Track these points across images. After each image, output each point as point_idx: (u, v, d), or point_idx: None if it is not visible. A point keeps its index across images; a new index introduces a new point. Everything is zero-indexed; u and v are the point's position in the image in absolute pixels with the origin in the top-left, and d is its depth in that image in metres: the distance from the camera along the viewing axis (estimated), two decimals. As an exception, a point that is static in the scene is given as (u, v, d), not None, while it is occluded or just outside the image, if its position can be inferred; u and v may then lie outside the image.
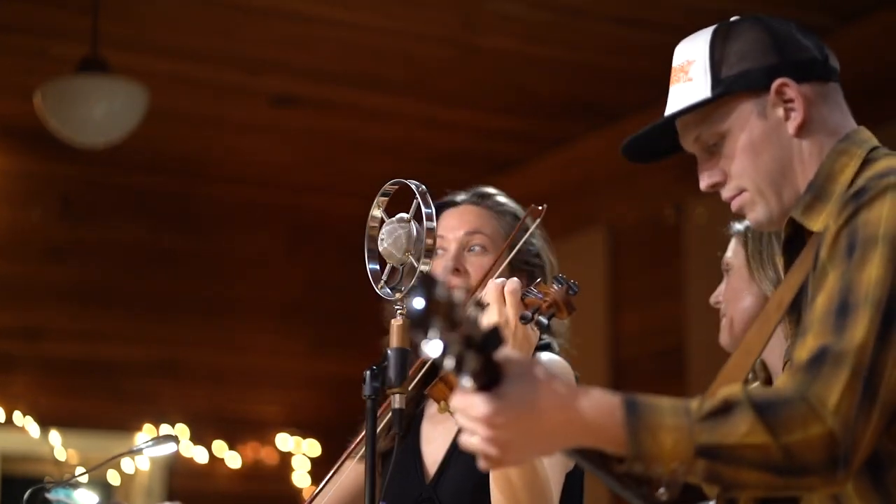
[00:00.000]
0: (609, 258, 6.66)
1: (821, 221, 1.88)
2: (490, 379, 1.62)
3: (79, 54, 5.29)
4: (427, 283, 1.53)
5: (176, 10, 5.38)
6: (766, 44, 1.95)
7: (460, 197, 2.75)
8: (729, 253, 2.89)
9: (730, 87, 1.95)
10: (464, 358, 1.56)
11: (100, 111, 5.33)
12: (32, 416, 6.75)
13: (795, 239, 1.96)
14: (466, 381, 1.59)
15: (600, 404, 1.66)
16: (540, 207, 2.61)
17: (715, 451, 1.65)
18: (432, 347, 1.53)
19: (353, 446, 2.61)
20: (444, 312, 1.53)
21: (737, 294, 2.82)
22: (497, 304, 2.27)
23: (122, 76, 5.39)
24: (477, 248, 2.69)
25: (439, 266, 2.67)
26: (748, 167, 1.95)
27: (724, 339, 2.87)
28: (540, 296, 2.30)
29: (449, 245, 2.68)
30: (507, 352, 1.65)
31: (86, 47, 5.28)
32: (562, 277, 2.30)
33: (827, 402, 1.66)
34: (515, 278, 2.34)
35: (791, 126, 1.94)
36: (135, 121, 5.44)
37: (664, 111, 2.04)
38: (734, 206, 1.99)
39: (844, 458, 1.66)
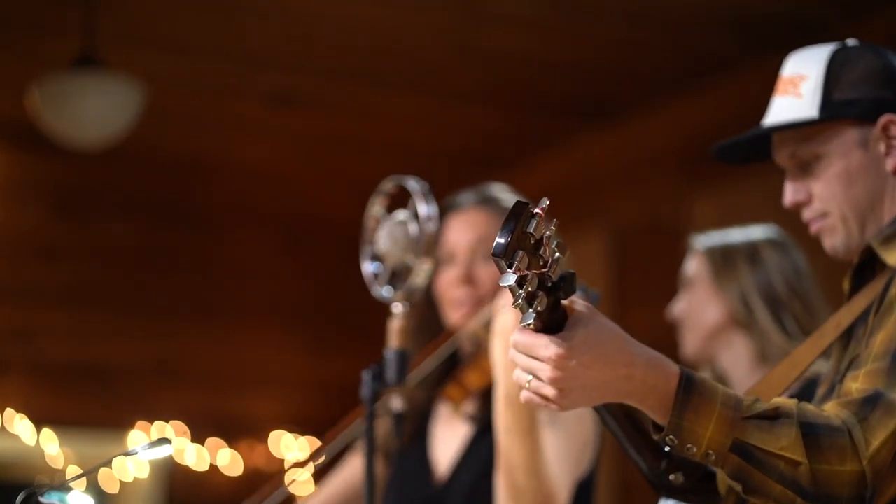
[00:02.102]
0: (611, 258, 6.64)
1: None
2: (553, 323, 1.62)
3: (73, 51, 5.26)
4: (519, 214, 1.50)
5: (173, 5, 5.35)
6: (882, 77, 1.97)
7: (466, 198, 2.71)
8: (690, 269, 2.95)
9: (838, 112, 1.96)
10: (535, 296, 1.54)
11: (95, 109, 5.30)
12: (27, 418, 6.72)
13: (867, 267, 1.98)
14: (529, 320, 1.57)
15: (660, 369, 1.68)
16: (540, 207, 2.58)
17: (750, 453, 1.66)
18: (506, 279, 1.50)
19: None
20: (529, 247, 1.50)
21: (702, 307, 2.89)
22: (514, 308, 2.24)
23: (118, 73, 5.36)
24: (487, 256, 2.66)
25: (449, 275, 2.64)
26: (839, 194, 1.97)
27: (689, 349, 2.92)
28: None
29: (458, 253, 2.64)
30: (576, 300, 1.64)
31: (80, 43, 5.25)
32: (584, 286, 2.27)
33: (869, 445, 1.69)
34: None
35: (890, 163, 1.97)
36: (130, 118, 5.41)
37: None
38: (813, 228, 2.01)
39: (870, 501, 1.69)
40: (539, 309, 1.56)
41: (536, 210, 1.51)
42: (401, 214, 2.24)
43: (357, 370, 2.46)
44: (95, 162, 6.54)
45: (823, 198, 1.98)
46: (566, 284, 1.57)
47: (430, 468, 2.66)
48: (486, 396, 2.58)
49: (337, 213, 7.37)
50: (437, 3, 5.38)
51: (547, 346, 1.61)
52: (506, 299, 2.29)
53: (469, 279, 2.63)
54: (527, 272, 1.51)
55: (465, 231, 2.65)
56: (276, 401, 7.34)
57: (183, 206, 7.33)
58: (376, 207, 2.26)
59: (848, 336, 1.95)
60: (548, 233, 1.53)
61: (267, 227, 7.55)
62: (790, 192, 2.02)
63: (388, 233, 2.21)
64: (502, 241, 1.50)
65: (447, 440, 2.68)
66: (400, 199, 2.28)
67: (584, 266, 6.50)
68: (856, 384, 1.74)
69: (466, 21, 5.53)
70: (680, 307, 2.96)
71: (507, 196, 2.75)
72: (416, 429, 2.72)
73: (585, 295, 2.29)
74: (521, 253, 1.50)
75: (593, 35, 5.60)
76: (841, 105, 1.96)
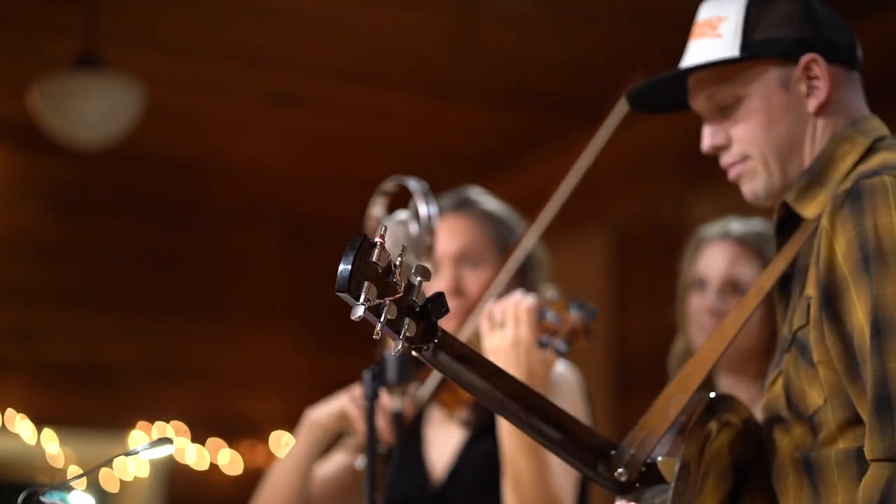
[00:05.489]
0: (610, 257, 6.64)
1: (814, 208, 1.87)
2: (427, 341, 1.60)
3: (75, 51, 5.27)
4: (357, 246, 1.49)
5: (173, 5, 5.35)
6: (802, 17, 1.93)
7: (443, 204, 2.68)
8: (744, 269, 2.72)
9: (759, 51, 1.92)
10: (400, 323, 1.53)
11: (96, 109, 5.31)
12: (28, 417, 6.72)
13: (787, 222, 1.94)
14: (398, 346, 1.56)
15: None
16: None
17: None
18: (355, 312, 1.49)
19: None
20: (377, 277, 1.49)
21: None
22: (511, 323, 2.22)
23: (119, 73, 5.36)
24: (472, 263, 2.65)
25: (435, 288, 2.62)
26: (760, 134, 1.92)
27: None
28: (557, 320, 2.25)
29: (442, 263, 2.62)
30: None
31: (82, 44, 5.25)
32: (581, 302, 2.26)
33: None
34: (532, 296, 2.29)
35: (812, 103, 1.92)
36: (131, 119, 5.41)
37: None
38: (733, 173, 1.95)
39: None
40: (408, 335, 1.54)
41: (375, 240, 1.51)
42: (401, 214, 2.24)
43: (357, 370, 2.46)
44: (95, 161, 6.54)
45: (744, 140, 1.92)
46: (434, 306, 1.56)
47: (426, 470, 2.66)
48: (479, 403, 2.57)
49: (337, 213, 7.36)
50: (437, 3, 5.38)
51: None
52: (488, 318, 2.27)
53: (457, 290, 2.62)
54: (380, 301, 1.48)
55: (446, 240, 2.62)
56: (277, 401, 7.33)
57: (183, 206, 7.33)
58: (377, 207, 2.26)
59: (786, 294, 1.91)
60: (397, 260, 1.51)
61: (267, 227, 7.55)
62: (708, 136, 1.96)
63: (388, 232, 2.20)
64: (344, 274, 1.48)
65: (441, 443, 2.68)
66: (400, 199, 2.28)
67: (584, 266, 6.50)
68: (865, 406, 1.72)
69: (466, 21, 5.53)
70: (721, 307, 2.70)
71: (483, 199, 2.74)
72: (410, 430, 2.71)
73: (585, 313, 2.26)
74: (366, 284, 1.49)
75: (593, 35, 5.60)
76: (762, 44, 1.91)
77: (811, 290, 1.80)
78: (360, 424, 2.47)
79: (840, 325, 1.73)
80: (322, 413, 2.60)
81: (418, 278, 1.53)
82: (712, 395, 1.84)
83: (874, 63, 5.60)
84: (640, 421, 1.81)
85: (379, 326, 1.53)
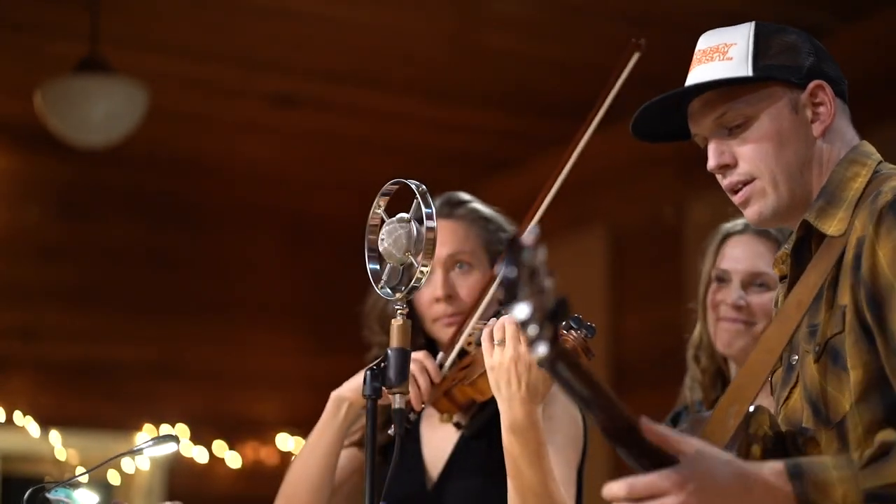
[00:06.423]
0: (609, 258, 6.65)
1: (836, 226, 1.91)
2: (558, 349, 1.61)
3: (79, 53, 5.29)
4: (516, 248, 1.51)
5: (176, 8, 5.37)
6: (808, 48, 1.99)
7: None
8: (767, 263, 2.73)
9: (771, 73, 1.96)
10: (543, 326, 1.55)
11: (99, 111, 5.33)
12: (32, 416, 6.74)
13: (804, 242, 1.98)
14: (544, 350, 1.57)
15: (768, 473, 1.71)
16: (639, 42, 2.54)
17: (882, 493, 1.70)
18: (520, 311, 1.51)
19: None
20: (530, 278, 1.52)
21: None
22: (512, 341, 2.23)
23: (122, 76, 5.39)
24: (463, 267, 2.66)
25: (428, 293, 2.64)
26: (769, 156, 1.96)
27: (737, 345, 2.75)
28: None
29: (433, 269, 2.63)
30: (688, 440, 1.68)
31: (86, 46, 5.27)
32: (578, 319, 2.26)
33: None
34: None
35: (817, 128, 1.98)
36: (134, 120, 5.44)
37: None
38: (740, 196, 1.98)
39: None
40: (545, 337, 1.55)
41: (529, 242, 1.53)
42: (402, 215, 2.25)
43: (357, 370, 2.48)
44: (97, 162, 6.56)
45: (753, 160, 1.95)
46: (561, 311, 1.57)
47: (423, 468, 2.67)
48: (473, 407, 2.59)
49: (338, 214, 7.38)
50: (438, 4, 5.40)
51: (661, 483, 1.64)
52: (488, 336, 2.28)
53: (450, 295, 2.64)
54: (531, 303, 1.52)
55: (437, 244, 2.62)
56: (277, 400, 7.35)
57: (183, 206, 7.35)
58: (378, 208, 2.27)
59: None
60: (538, 262, 1.54)
61: (267, 227, 7.57)
62: (715, 155, 1.98)
63: (389, 233, 2.22)
64: (511, 278, 1.51)
65: (437, 441, 2.69)
66: (401, 200, 2.30)
67: (583, 267, 6.51)
68: None
69: (467, 22, 5.55)
70: (747, 299, 2.75)
71: (471, 202, 2.74)
72: (410, 428, 2.72)
73: (584, 331, 2.26)
74: (523, 286, 1.51)
75: (593, 35, 5.62)
76: (773, 68, 1.96)
77: (845, 298, 1.86)
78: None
79: (885, 329, 1.80)
80: (347, 387, 2.60)
81: (549, 280, 1.55)
82: (751, 408, 1.89)
83: (874, 63, 5.64)
84: (700, 433, 1.85)
85: (528, 330, 1.53)
